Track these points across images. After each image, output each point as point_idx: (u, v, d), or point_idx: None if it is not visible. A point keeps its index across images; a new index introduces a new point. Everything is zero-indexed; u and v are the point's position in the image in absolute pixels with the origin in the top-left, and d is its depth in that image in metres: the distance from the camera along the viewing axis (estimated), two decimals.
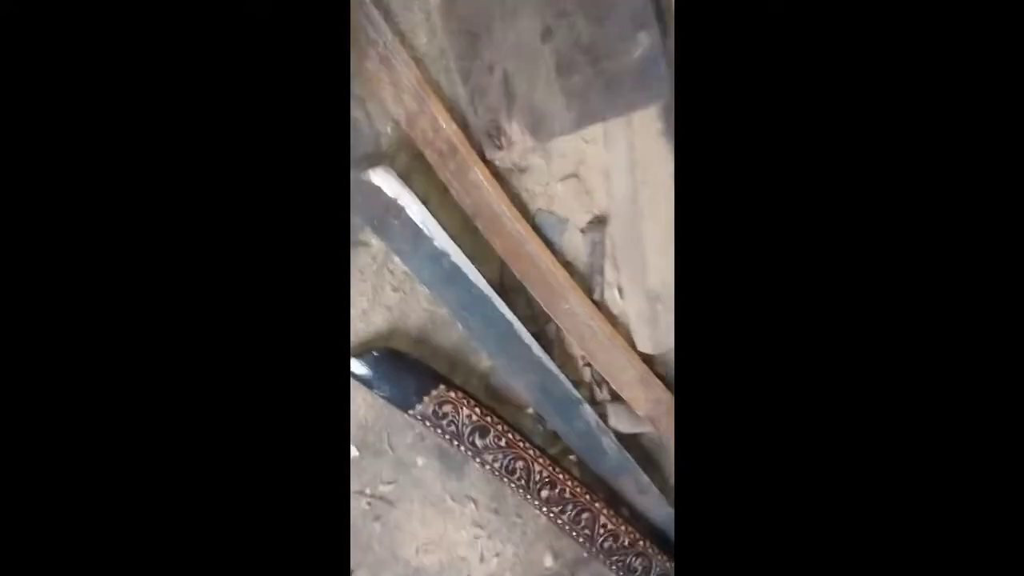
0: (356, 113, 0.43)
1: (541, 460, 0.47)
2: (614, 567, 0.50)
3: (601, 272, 0.49)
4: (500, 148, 0.43)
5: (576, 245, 0.48)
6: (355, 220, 0.45)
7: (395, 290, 0.46)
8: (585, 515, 0.48)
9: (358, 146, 0.43)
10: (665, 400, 0.49)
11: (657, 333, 0.48)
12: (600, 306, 0.49)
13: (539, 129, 0.41)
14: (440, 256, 0.43)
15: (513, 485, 0.47)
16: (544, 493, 0.47)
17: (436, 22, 0.42)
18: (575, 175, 0.48)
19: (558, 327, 0.48)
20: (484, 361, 0.48)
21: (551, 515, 0.48)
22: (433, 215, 0.43)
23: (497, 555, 0.50)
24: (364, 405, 0.46)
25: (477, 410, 0.45)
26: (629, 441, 0.50)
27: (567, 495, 0.48)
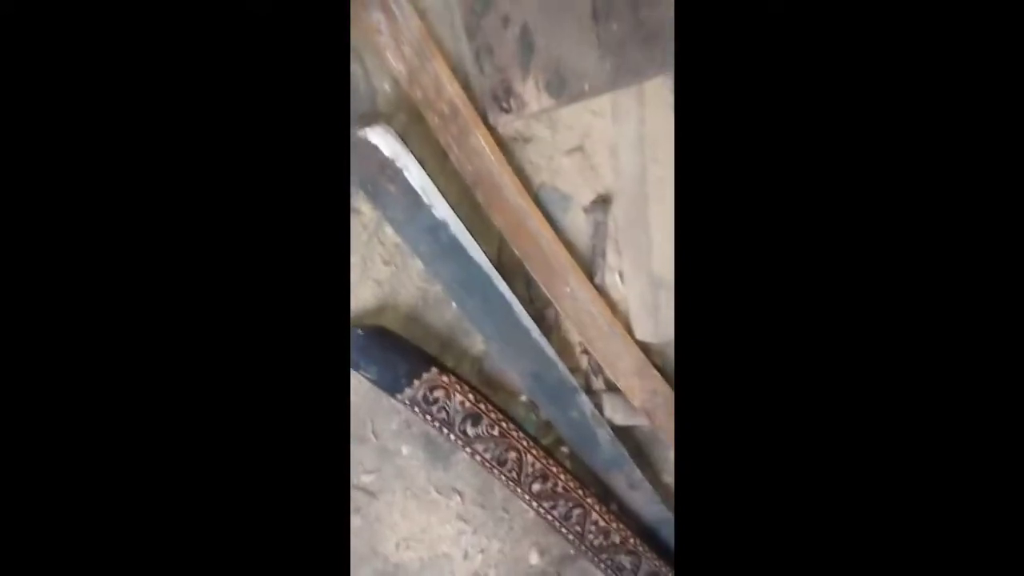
0: (353, 67, 0.39)
1: (534, 451, 0.45)
2: (603, 565, 0.48)
3: (603, 255, 0.47)
4: (508, 111, 0.40)
5: (579, 224, 0.46)
6: None
7: (386, 263, 0.42)
8: (577, 511, 0.46)
9: (353, 103, 0.40)
10: (662, 392, 0.48)
11: (658, 322, 0.46)
12: (600, 291, 0.46)
13: (562, 88, 0.37)
14: (438, 227, 0.40)
15: (503, 477, 0.44)
16: (535, 487, 0.45)
17: None
18: (581, 148, 0.45)
19: (557, 311, 0.46)
20: (478, 344, 0.45)
21: (541, 510, 0.46)
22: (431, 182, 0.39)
23: (482, 551, 0.47)
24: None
25: (470, 396, 0.43)
26: (622, 433, 0.48)
27: (559, 490, 0.46)
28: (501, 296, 0.42)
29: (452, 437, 0.43)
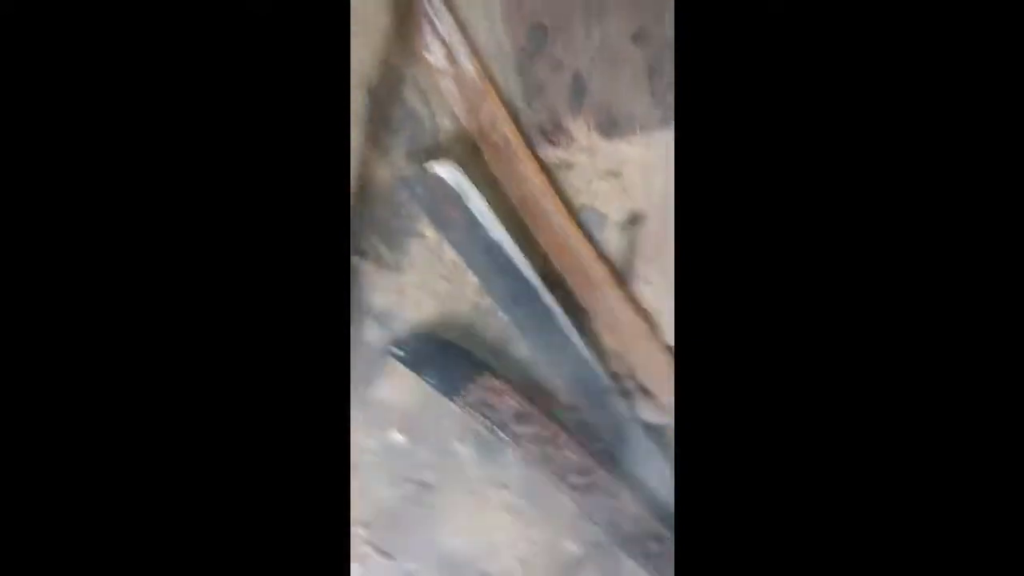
0: (419, 107, 0.44)
1: (575, 448, 0.49)
2: (632, 551, 0.52)
3: (635, 268, 0.51)
4: (555, 144, 0.44)
5: (613, 241, 0.50)
6: (414, 211, 0.45)
7: (444, 279, 0.47)
8: (612, 503, 0.50)
9: (418, 138, 0.44)
10: None
11: None
12: (633, 301, 0.50)
13: (613, 129, 0.42)
14: (494, 247, 0.44)
15: (547, 472, 0.48)
16: (576, 480, 0.49)
17: (496, 14, 0.43)
18: (616, 173, 0.49)
19: (594, 320, 0.50)
20: (524, 351, 0.49)
21: (580, 501, 0.50)
22: None
23: (526, 540, 0.51)
24: (410, 393, 0.47)
25: (519, 398, 0.47)
26: (652, 432, 0.52)
27: (598, 483, 0.50)
28: (547, 308, 0.47)
29: (502, 436, 0.47)
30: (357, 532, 0.48)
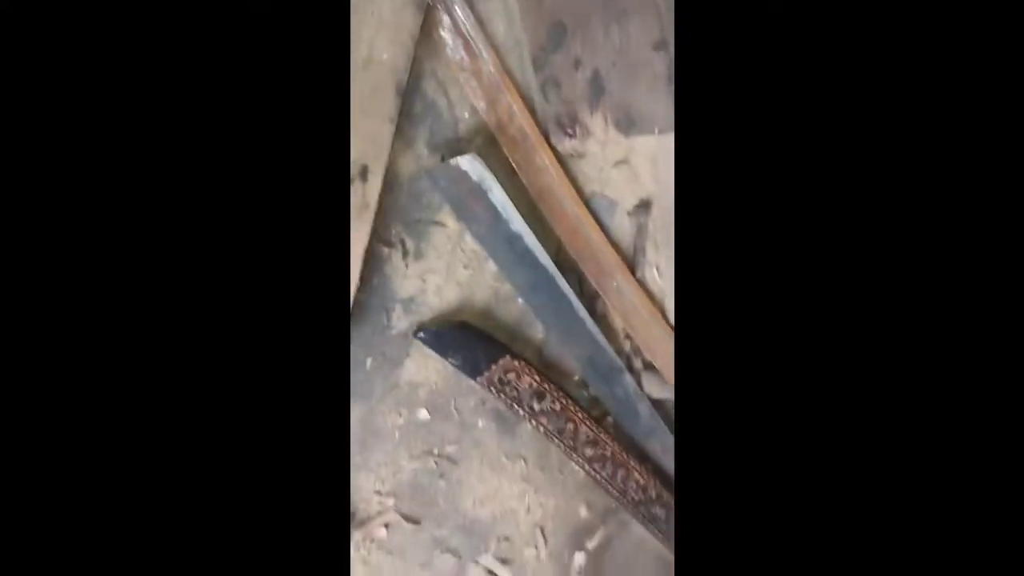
0: (439, 100, 0.45)
1: (587, 423, 0.52)
2: (640, 516, 0.56)
3: (644, 252, 0.53)
4: (572, 137, 0.46)
5: (624, 226, 0.52)
6: (435, 201, 0.47)
7: (465, 267, 0.49)
8: (621, 471, 0.54)
9: (438, 131, 0.46)
10: None
11: None
12: (641, 283, 0.53)
13: (631, 127, 0.43)
14: (514, 237, 0.46)
15: (561, 444, 0.51)
16: (588, 451, 0.52)
17: (514, 10, 0.44)
18: (626, 161, 0.51)
19: (605, 303, 0.52)
20: (539, 333, 0.52)
21: (591, 471, 0.53)
22: None
23: (541, 506, 0.55)
24: (435, 373, 0.50)
25: (536, 377, 0.50)
26: (658, 406, 0.55)
27: (608, 454, 0.53)
28: (562, 293, 0.49)
29: (520, 412, 0.50)
30: (387, 502, 0.51)
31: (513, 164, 0.47)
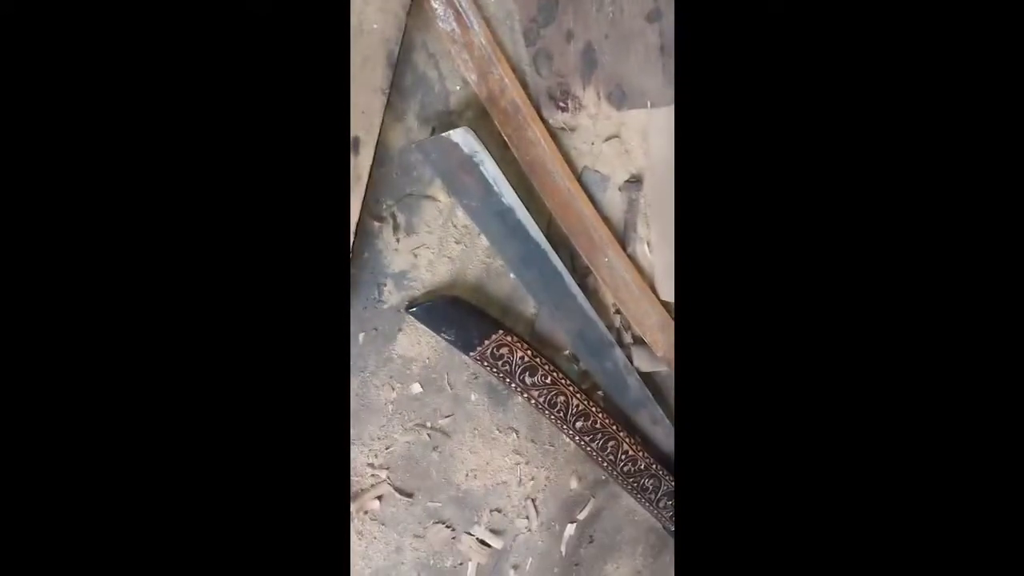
0: (430, 72, 0.45)
1: (578, 395, 0.53)
2: (629, 487, 0.57)
3: (635, 228, 0.53)
4: (564, 110, 0.46)
5: (615, 201, 0.52)
6: (426, 175, 0.47)
7: (457, 242, 0.49)
8: (611, 443, 0.55)
9: (429, 104, 0.45)
10: None
11: None
12: (632, 259, 0.53)
13: (624, 101, 0.43)
14: (506, 212, 0.46)
15: (553, 417, 0.52)
16: (578, 424, 0.53)
17: None
18: (617, 135, 0.51)
19: (596, 278, 0.53)
20: (531, 308, 0.52)
21: (582, 443, 0.54)
22: None
23: (532, 479, 0.56)
24: (428, 348, 0.50)
25: (528, 352, 0.50)
26: (645, 378, 0.56)
27: (597, 425, 0.54)
28: (554, 268, 0.49)
29: (512, 385, 0.50)
30: (380, 475, 0.52)
31: (504, 137, 0.46)
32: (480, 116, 0.46)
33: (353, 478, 0.51)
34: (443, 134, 0.43)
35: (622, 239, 0.53)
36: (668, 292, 0.54)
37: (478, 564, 0.55)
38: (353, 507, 0.52)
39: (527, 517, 0.56)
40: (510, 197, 0.46)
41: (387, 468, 0.52)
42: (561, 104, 0.45)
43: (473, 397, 0.52)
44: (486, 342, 0.48)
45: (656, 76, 0.42)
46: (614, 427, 0.54)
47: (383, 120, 0.43)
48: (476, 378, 0.52)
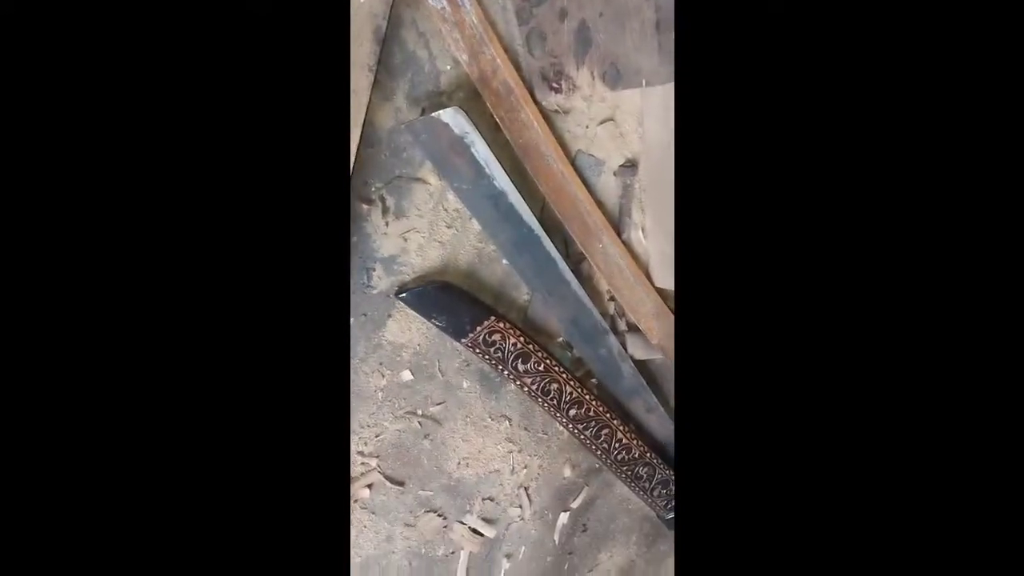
0: (420, 51, 0.44)
1: (571, 383, 0.52)
2: (623, 475, 0.56)
3: (629, 213, 0.52)
4: (558, 91, 0.45)
5: (609, 186, 0.51)
6: (416, 157, 0.46)
7: (448, 227, 0.48)
8: (605, 431, 0.54)
9: (419, 84, 0.44)
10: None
11: (674, 272, 0.52)
12: (627, 245, 0.52)
13: (618, 80, 0.42)
14: (498, 195, 0.45)
15: (546, 405, 0.52)
16: (572, 412, 0.53)
17: None
18: (612, 119, 0.50)
19: (591, 264, 0.52)
20: (524, 295, 0.51)
21: (575, 431, 0.53)
22: None
23: (525, 467, 0.55)
24: (418, 334, 0.49)
25: (521, 339, 0.49)
26: (640, 366, 0.55)
27: (591, 413, 0.53)
28: (547, 254, 0.48)
29: (505, 373, 0.50)
30: (370, 463, 0.51)
31: (497, 119, 0.45)
32: (471, 97, 0.45)
33: None
34: (433, 114, 0.42)
35: (616, 225, 0.52)
36: (663, 279, 0.53)
37: (470, 553, 0.55)
38: None
39: (520, 506, 0.56)
40: (502, 180, 0.45)
41: (377, 456, 0.51)
42: (554, 85, 0.44)
43: (465, 384, 0.52)
44: (478, 328, 0.48)
45: (652, 54, 0.41)
46: (608, 415, 0.54)
47: (371, 99, 0.42)
48: (468, 365, 0.51)
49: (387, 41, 0.42)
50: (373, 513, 0.52)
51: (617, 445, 0.55)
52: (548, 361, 0.51)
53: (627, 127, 0.50)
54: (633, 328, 0.55)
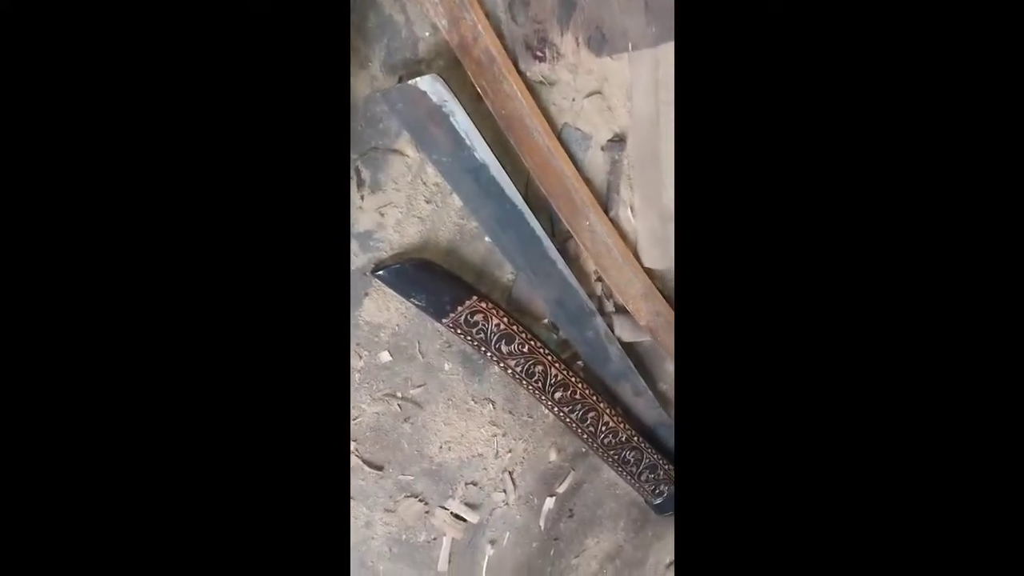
0: (396, 16, 0.41)
1: (557, 365, 0.51)
2: (610, 459, 0.55)
3: (617, 190, 0.51)
4: (542, 60, 0.43)
5: (597, 162, 0.50)
6: (393, 127, 0.44)
7: (427, 201, 0.46)
8: (591, 414, 0.53)
9: (396, 50, 0.42)
10: (664, 313, 0.53)
11: (664, 251, 0.51)
12: (614, 223, 0.51)
13: (603, 45, 0.40)
14: (479, 168, 0.44)
15: (530, 387, 0.50)
16: (557, 395, 0.51)
17: None
18: (599, 91, 0.48)
19: (577, 243, 0.50)
20: (507, 274, 0.50)
21: (561, 414, 0.52)
22: None
23: (510, 451, 0.54)
24: (397, 314, 0.48)
25: (504, 319, 0.48)
26: (628, 348, 0.54)
27: (577, 396, 0.52)
28: (532, 231, 0.47)
29: (488, 354, 0.48)
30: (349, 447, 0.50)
31: (478, 89, 0.44)
32: (452, 66, 0.43)
33: None
34: (409, 82, 0.40)
35: (604, 202, 0.50)
36: (651, 259, 0.52)
37: (453, 539, 0.54)
38: None
39: (504, 491, 0.55)
40: (483, 152, 0.43)
41: (355, 440, 0.50)
42: (538, 53, 0.42)
43: (447, 366, 0.50)
44: (459, 308, 0.46)
45: (638, 15, 0.39)
46: (594, 398, 0.53)
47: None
48: (450, 346, 0.50)
49: (361, 4, 0.40)
50: (352, 498, 0.50)
51: (604, 429, 0.54)
52: (532, 343, 0.49)
53: (615, 101, 0.48)
54: (621, 309, 0.53)
